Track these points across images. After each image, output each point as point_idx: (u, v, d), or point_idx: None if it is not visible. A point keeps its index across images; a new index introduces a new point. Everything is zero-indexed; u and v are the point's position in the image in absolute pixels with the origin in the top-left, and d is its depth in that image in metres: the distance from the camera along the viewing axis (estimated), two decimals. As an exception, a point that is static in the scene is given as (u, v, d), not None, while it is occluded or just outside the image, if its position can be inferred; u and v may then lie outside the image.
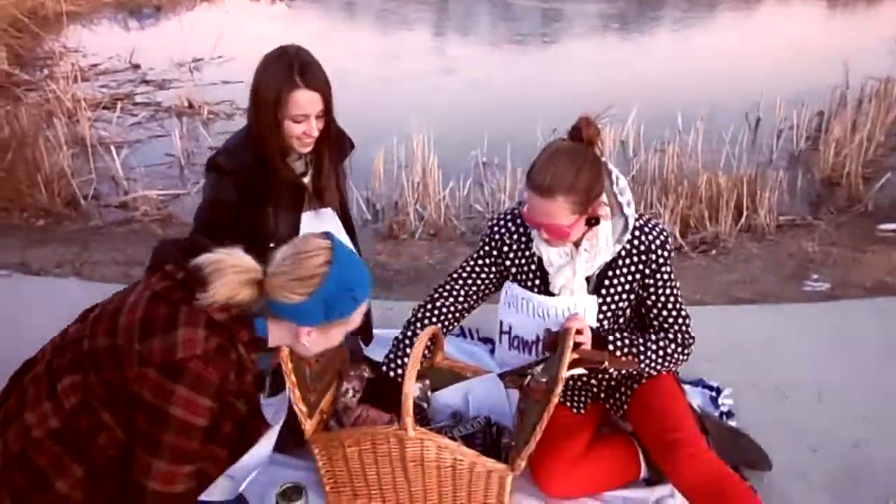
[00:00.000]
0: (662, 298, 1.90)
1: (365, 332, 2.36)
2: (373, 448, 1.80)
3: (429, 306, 2.04)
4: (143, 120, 5.99)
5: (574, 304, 1.88)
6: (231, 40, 8.21)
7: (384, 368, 1.98)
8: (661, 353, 1.90)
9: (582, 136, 1.77)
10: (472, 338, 2.64)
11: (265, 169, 1.96)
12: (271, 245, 1.95)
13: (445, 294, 2.05)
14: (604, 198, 1.81)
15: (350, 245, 2.11)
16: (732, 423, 2.22)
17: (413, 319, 2.03)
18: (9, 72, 7.13)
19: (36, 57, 8.00)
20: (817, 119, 5.76)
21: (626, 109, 5.21)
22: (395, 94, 6.62)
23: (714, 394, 2.37)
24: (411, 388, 1.66)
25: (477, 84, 7.21)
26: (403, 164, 4.39)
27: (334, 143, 2.06)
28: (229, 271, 1.37)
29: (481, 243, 2.02)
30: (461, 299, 2.04)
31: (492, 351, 2.45)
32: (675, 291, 1.92)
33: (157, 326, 1.34)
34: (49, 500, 1.40)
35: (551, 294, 1.89)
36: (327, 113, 1.96)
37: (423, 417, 1.98)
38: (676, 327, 1.92)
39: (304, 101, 1.89)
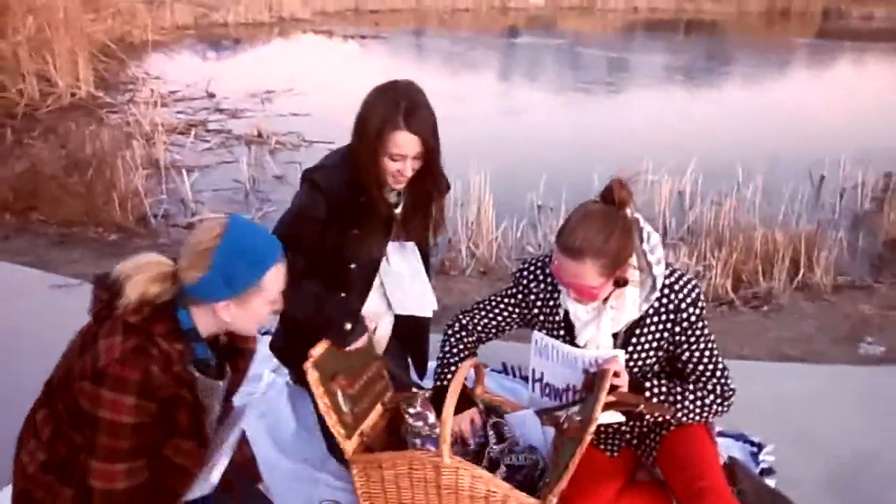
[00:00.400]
0: (697, 354, 1.91)
1: (419, 362, 2.40)
2: (409, 472, 1.85)
3: (462, 333, 2.10)
4: (215, 146, 6.27)
5: (602, 356, 1.88)
6: (303, 74, 8.57)
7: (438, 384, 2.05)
8: (698, 402, 1.91)
9: (614, 198, 1.77)
10: (514, 375, 2.68)
11: (358, 192, 2.00)
12: (351, 266, 2.07)
13: (468, 320, 2.10)
14: (633, 261, 1.82)
15: (424, 281, 2.19)
16: (772, 480, 2.20)
17: (451, 343, 2.09)
18: (94, 94, 7.57)
19: (120, 81, 8.46)
20: (884, 180, 5.67)
21: (686, 161, 5.23)
22: (456, 134, 6.72)
23: (755, 449, 2.35)
24: (451, 414, 1.72)
25: (538, 128, 7.33)
26: (459, 202, 4.49)
27: (431, 182, 2.05)
28: (136, 273, 1.44)
29: (510, 285, 2.06)
30: (480, 328, 2.10)
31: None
32: (710, 346, 1.92)
33: (87, 343, 1.44)
34: None
35: (577, 345, 1.91)
36: (426, 154, 1.95)
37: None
38: (714, 380, 1.92)
39: (403, 142, 1.90)
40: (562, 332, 1.95)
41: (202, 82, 8.21)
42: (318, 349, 1.95)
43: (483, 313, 2.09)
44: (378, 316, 2.16)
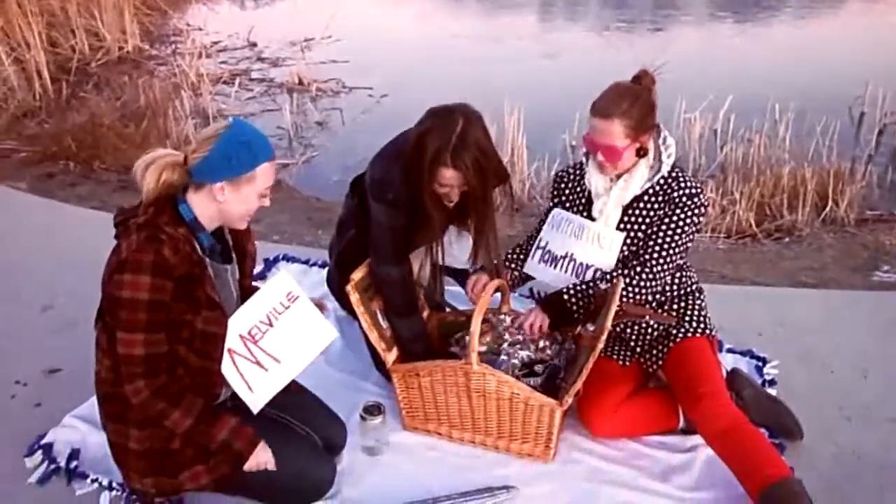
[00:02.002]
0: (661, 234, 2.15)
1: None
2: (443, 379, 2.11)
3: (512, 255, 2.47)
4: (258, 95, 6.49)
5: (605, 234, 2.20)
6: (340, 21, 8.66)
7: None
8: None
9: (641, 81, 2.13)
10: (540, 299, 2.90)
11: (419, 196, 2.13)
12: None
13: (523, 246, 2.47)
14: (654, 136, 2.16)
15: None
16: (773, 390, 2.40)
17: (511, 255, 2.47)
18: (140, 47, 7.82)
19: (164, 34, 8.68)
20: (927, 115, 5.63)
21: (722, 99, 5.27)
22: (492, 75, 6.87)
23: (760, 364, 2.55)
24: (478, 326, 1.95)
25: (574, 68, 7.36)
26: (494, 142, 4.65)
27: (472, 204, 2.11)
28: (152, 163, 1.69)
29: (551, 195, 2.41)
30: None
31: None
32: (674, 237, 2.14)
33: (112, 252, 1.72)
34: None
35: (592, 218, 2.24)
36: (475, 183, 2.01)
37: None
38: (646, 258, 2.16)
39: (449, 177, 2.00)
40: (581, 209, 2.28)
41: (243, 31, 8.39)
42: (359, 273, 2.21)
43: (532, 235, 2.43)
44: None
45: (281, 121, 5.71)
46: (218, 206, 1.75)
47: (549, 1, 11.68)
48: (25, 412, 2.40)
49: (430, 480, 2.11)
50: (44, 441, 2.23)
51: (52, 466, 2.15)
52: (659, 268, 2.16)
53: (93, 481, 2.10)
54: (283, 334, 1.90)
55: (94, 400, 2.23)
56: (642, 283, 2.15)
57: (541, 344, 2.23)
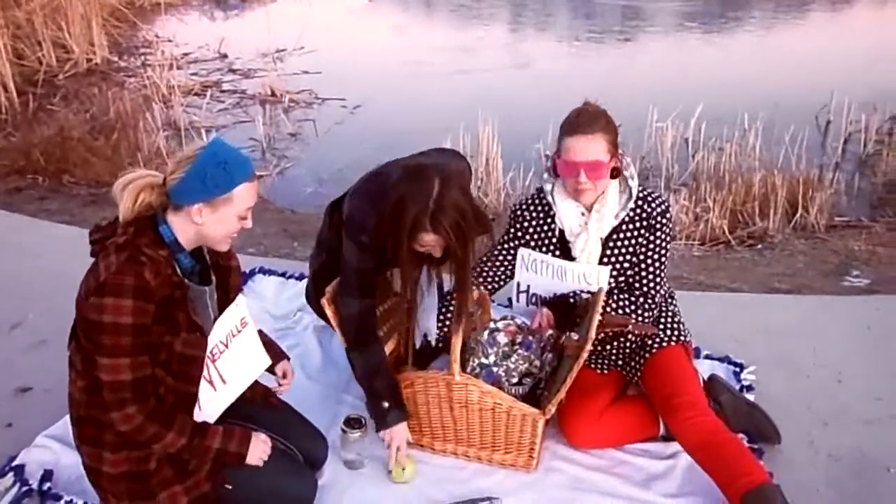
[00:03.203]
0: (649, 261, 2.17)
1: None
2: (425, 389, 2.10)
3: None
4: (230, 106, 6.44)
5: (590, 271, 2.18)
6: (313, 32, 8.64)
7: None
8: (622, 311, 2.18)
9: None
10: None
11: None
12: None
13: (479, 272, 2.35)
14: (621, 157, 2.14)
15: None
16: (751, 395, 2.43)
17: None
18: (109, 59, 7.72)
19: (133, 45, 8.59)
20: (889, 123, 5.76)
21: (692, 108, 5.34)
22: (465, 86, 6.90)
23: (738, 369, 2.58)
24: (460, 338, 1.95)
25: (547, 78, 7.42)
26: (469, 153, 4.66)
27: (454, 263, 2.06)
28: (129, 184, 1.67)
29: (508, 228, 2.32)
30: (490, 276, 2.36)
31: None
32: (660, 263, 2.18)
33: (89, 272, 1.69)
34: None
35: (572, 259, 2.19)
36: (454, 244, 1.96)
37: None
38: (645, 289, 2.18)
39: (430, 240, 1.96)
40: (557, 252, 2.22)
41: (214, 43, 8.32)
42: (333, 287, 2.19)
43: (488, 260, 2.35)
44: None
45: (254, 132, 5.67)
46: (196, 227, 1.72)
47: (519, 11, 11.78)
48: (-5, 433, 2.34)
49: (413, 493, 2.10)
50: (15, 462, 2.16)
51: (25, 489, 2.09)
52: (658, 294, 2.20)
53: (67, 503, 2.05)
54: (233, 357, 1.89)
55: (67, 419, 2.17)
56: (647, 314, 2.18)
57: (543, 338, 2.22)
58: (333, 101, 6.51)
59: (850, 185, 4.69)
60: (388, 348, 2.27)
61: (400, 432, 2.12)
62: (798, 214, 4.09)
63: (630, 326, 2.09)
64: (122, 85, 6.73)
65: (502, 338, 2.15)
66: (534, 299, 2.29)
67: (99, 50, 7.64)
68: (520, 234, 2.29)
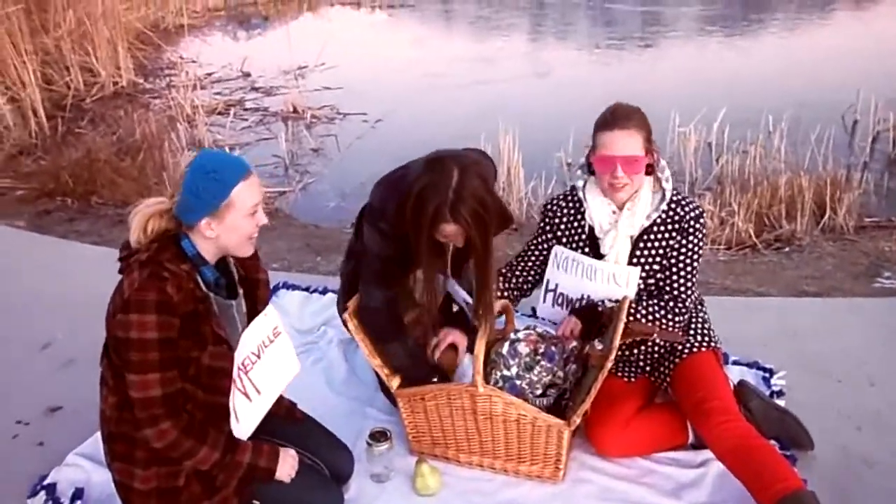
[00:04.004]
0: (680, 265, 2.15)
1: None
2: (448, 402, 2.09)
3: (505, 276, 2.37)
4: (253, 124, 6.52)
5: (620, 272, 2.16)
6: (333, 48, 8.73)
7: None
8: (651, 317, 2.16)
9: None
10: (543, 319, 2.89)
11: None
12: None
13: (512, 270, 2.38)
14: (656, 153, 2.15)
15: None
16: (781, 401, 2.38)
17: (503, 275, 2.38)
18: (135, 81, 7.86)
19: (158, 67, 8.74)
20: (917, 122, 5.66)
21: (715, 112, 5.29)
22: (485, 96, 6.91)
23: (767, 375, 2.53)
24: (483, 349, 1.94)
25: (567, 87, 7.41)
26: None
27: (474, 253, 2.04)
28: (137, 214, 1.70)
29: (539, 224, 2.34)
30: (520, 270, 2.38)
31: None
32: (693, 264, 2.16)
33: (116, 290, 1.70)
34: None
35: (600, 257, 2.19)
36: (475, 234, 1.96)
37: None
38: (675, 293, 2.17)
39: (451, 231, 1.96)
40: (587, 249, 2.22)
41: (236, 62, 8.44)
42: (355, 300, 2.20)
43: (520, 258, 2.37)
44: None
45: (276, 149, 5.73)
46: (213, 240, 1.73)
47: (539, 21, 11.79)
48: (28, 452, 2.37)
49: (440, 506, 2.09)
50: (47, 481, 2.19)
51: (56, 506, 2.12)
52: (689, 299, 2.18)
53: (97, 520, 2.08)
54: (267, 367, 1.89)
55: (97, 437, 2.20)
56: (677, 319, 2.16)
57: (567, 349, 2.20)
58: (355, 115, 6.57)
59: (879, 185, 4.62)
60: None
61: None
62: (826, 216, 4.03)
63: (656, 334, 2.06)
64: (147, 106, 6.84)
65: (523, 348, 2.14)
66: (560, 299, 2.29)
67: (125, 73, 7.79)
68: (550, 229, 2.31)
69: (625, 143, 2.05)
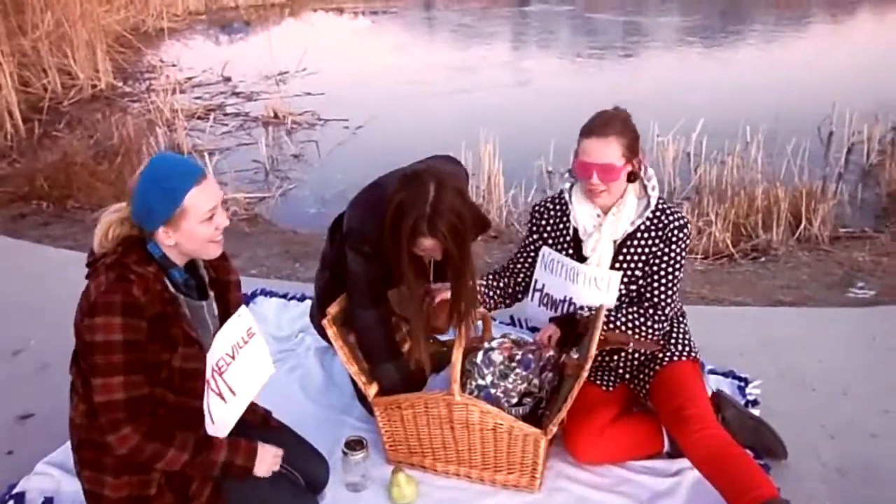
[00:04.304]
0: (662, 273, 2.17)
1: None
2: (425, 410, 2.08)
3: (491, 281, 2.39)
4: (233, 129, 6.49)
5: (601, 276, 2.18)
6: (315, 53, 8.72)
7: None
8: (633, 321, 2.17)
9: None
10: (521, 327, 2.90)
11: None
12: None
13: (502, 274, 2.41)
14: (642, 160, 2.16)
15: None
16: (756, 410, 2.40)
17: (483, 285, 2.39)
18: (114, 84, 7.80)
19: (137, 71, 8.67)
20: (892, 133, 5.75)
21: (694, 122, 5.35)
22: (466, 105, 6.94)
23: (742, 384, 2.55)
24: (460, 357, 1.94)
25: (547, 95, 7.45)
26: (470, 171, 4.67)
27: (452, 266, 2.05)
28: (100, 221, 1.68)
29: (528, 226, 2.37)
30: (510, 272, 2.40)
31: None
32: (674, 276, 2.17)
33: (82, 294, 1.68)
34: None
35: (583, 259, 2.21)
36: (452, 247, 1.96)
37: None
38: (655, 300, 2.18)
39: (429, 245, 1.97)
40: (570, 251, 2.24)
41: (217, 67, 8.41)
42: (335, 307, 2.19)
43: (511, 262, 2.40)
44: None
45: (257, 154, 5.71)
46: (173, 247, 1.71)
47: (521, 30, 11.85)
48: (-3, 460, 2.34)
49: (415, 515, 2.08)
50: (15, 490, 2.15)
51: (25, 516, 2.08)
52: (668, 308, 2.19)
53: (67, 530, 2.04)
54: (241, 368, 1.87)
55: (67, 446, 2.16)
56: (656, 326, 2.17)
57: (543, 357, 2.20)
58: (336, 121, 6.56)
59: (853, 196, 4.68)
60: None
61: None
62: (801, 226, 4.08)
63: (631, 344, 2.07)
64: (125, 110, 6.79)
65: (497, 356, 2.14)
66: (546, 300, 2.30)
67: (104, 76, 7.72)
68: (537, 230, 2.33)
69: (602, 151, 2.07)
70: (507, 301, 2.43)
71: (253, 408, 2.06)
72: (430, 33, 12.01)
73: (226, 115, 6.90)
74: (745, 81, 7.81)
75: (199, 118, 6.69)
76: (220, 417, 1.82)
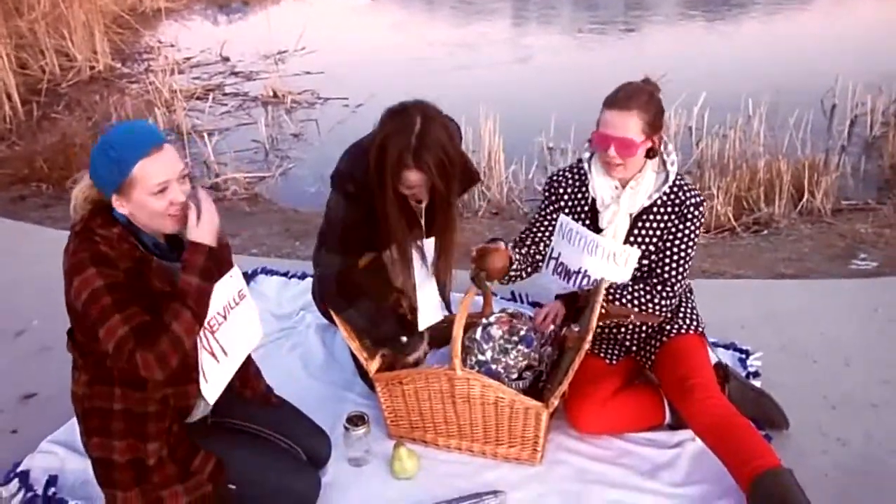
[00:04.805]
0: (675, 249, 2.15)
1: None
2: (427, 385, 2.09)
3: (515, 250, 2.31)
4: (232, 109, 6.45)
5: (619, 251, 2.16)
6: (314, 32, 8.64)
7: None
8: (637, 300, 2.16)
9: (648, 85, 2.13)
10: (522, 301, 2.90)
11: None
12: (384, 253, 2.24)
13: (524, 241, 2.34)
14: (663, 137, 2.14)
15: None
16: (757, 382, 2.40)
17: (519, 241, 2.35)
18: (112, 66, 7.75)
19: (135, 52, 8.61)
20: (895, 105, 5.70)
21: (696, 96, 5.30)
22: (467, 82, 6.88)
23: (744, 356, 2.56)
24: (461, 332, 1.94)
25: (548, 71, 7.39)
26: (471, 148, 4.65)
27: (440, 205, 2.07)
28: (76, 186, 1.69)
29: (544, 193, 2.33)
30: (529, 240, 2.34)
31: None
32: (687, 250, 2.15)
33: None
34: None
35: (599, 231, 2.18)
36: (439, 183, 1.97)
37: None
38: (665, 276, 2.15)
39: (414, 179, 1.95)
40: (587, 221, 2.21)
41: (215, 47, 8.33)
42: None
43: (528, 231, 2.34)
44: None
45: (256, 134, 5.68)
46: (129, 216, 1.69)
47: (521, 6, 11.73)
48: (1, 439, 2.34)
49: (418, 489, 2.09)
50: (20, 468, 2.17)
51: (30, 494, 2.09)
52: (678, 284, 2.16)
53: (72, 507, 2.06)
54: (232, 328, 1.86)
55: (71, 424, 2.18)
56: (663, 303, 2.15)
57: (545, 334, 2.20)
58: (335, 100, 6.51)
59: (856, 169, 4.65)
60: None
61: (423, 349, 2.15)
62: (804, 199, 4.06)
63: (633, 316, 2.07)
64: (124, 91, 6.74)
65: (496, 331, 2.14)
66: (560, 269, 2.27)
67: (102, 57, 7.66)
68: (555, 199, 2.29)
69: (622, 124, 2.03)
70: (531, 269, 2.36)
71: (254, 385, 2.07)
72: (430, 10, 11.89)
73: (225, 95, 6.85)
74: (748, 55, 7.73)
75: (197, 98, 6.64)
76: (213, 376, 1.81)
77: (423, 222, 2.20)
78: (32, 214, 4.22)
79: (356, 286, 2.17)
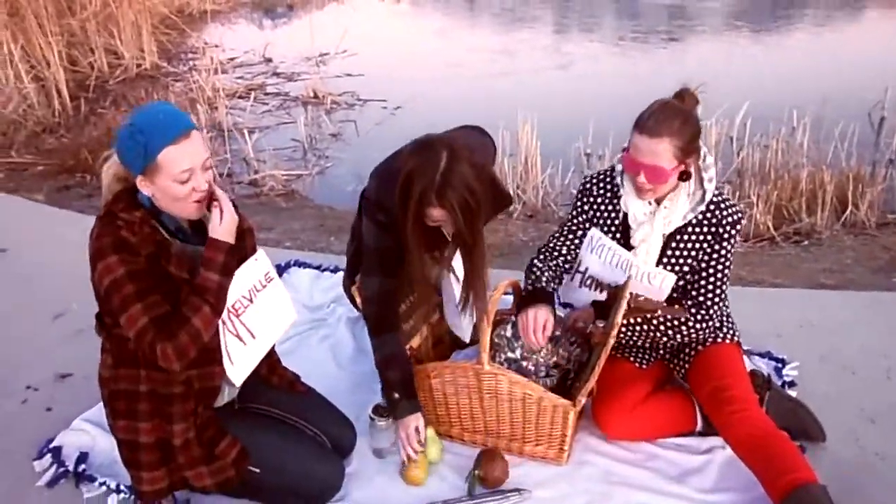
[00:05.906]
0: (710, 270, 2.06)
1: None
2: (454, 380, 2.08)
3: (539, 261, 2.24)
4: (273, 108, 6.54)
5: (654, 273, 2.08)
6: (356, 36, 8.72)
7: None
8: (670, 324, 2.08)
9: (684, 100, 2.00)
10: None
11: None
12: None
13: (553, 252, 2.25)
14: (698, 158, 2.02)
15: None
16: (792, 392, 2.34)
17: (529, 272, 2.23)
18: (158, 64, 7.91)
19: (181, 51, 8.78)
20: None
21: (738, 106, 5.21)
22: (506, 87, 6.88)
23: (779, 365, 2.49)
24: (489, 326, 1.92)
25: (588, 78, 7.35)
26: (508, 152, 4.65)
27: (462, 240, 2.00)
28: (106, 170, 1.72)
29: (575, 201, 2.22)
30: (558, 250, 2.24)
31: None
32: (724, 270, 2.06)
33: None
34: None
35: (630, 248, 2.09)
36: (462, 223, 1.91)
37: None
38: (700, 299, 2.07)
39: (438, 216, 1.92)
40: (618, 236, 2.12)
41: (259, 48, 8.46)
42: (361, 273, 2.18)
43: (556, 240, 2.25)
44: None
45: (295, 133, 5.74)
46: (153, 198, 1.71)
47: (563, 14, 11.70)
48: (36, 417, 2.40)
49: (441, 483, 2.07)
50: (53, 444, 2.22)
51: (61, 470, 2.13)
52: (716, 307, 2.07)
53: (101, 484, 2.09)
54: (259, 311, 1.87)
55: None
56: (698, 325, 2.07)
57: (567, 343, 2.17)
58: (374, 102, 6.56)
59: (906, 183, 4.52)
60: (415, 343, 2.27)
61: (410, 424, 2.06)
62: (848, 211, 3.96)
63: (660, 311, 2.03)
64: (168, 88, 6.89)
65: None
66: (590, 281, 2.19)
67: (148, 56, 7.83)
68: (587, 210, 2.18)
69: (652, 150, 1.91)
70: (560, 280, 2.27)
71: (281, 372, 2.08)
72: (472, 17, 11.92)
73: (266, 94, 6.95)
74: (794, 66, 7.60)
75: (239, 97, 6.75)
76: (240, 359, 1.83)
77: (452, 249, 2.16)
78: (76, 203, 4.32)
79: (393, 317, 2.15)
